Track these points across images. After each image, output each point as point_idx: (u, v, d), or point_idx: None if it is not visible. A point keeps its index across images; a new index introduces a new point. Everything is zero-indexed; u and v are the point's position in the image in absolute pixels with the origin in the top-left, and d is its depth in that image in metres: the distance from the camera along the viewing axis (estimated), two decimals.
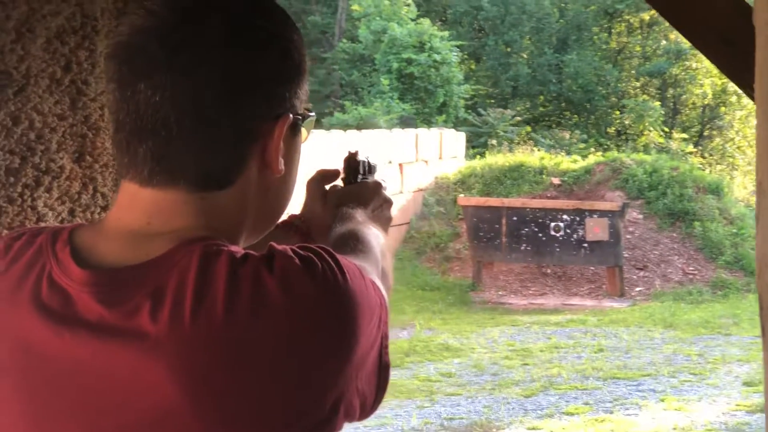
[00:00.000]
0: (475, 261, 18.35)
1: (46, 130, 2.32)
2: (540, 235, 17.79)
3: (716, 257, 18.56)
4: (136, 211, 1.45)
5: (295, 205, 1.79)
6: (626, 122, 34.50)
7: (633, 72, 37.20)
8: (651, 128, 31.93)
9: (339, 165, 2.14)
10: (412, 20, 29.99)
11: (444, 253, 19.67)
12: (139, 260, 1.39)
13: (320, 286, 1.38)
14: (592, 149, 28.05)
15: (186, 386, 1.32)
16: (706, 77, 34.16)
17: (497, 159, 22.39)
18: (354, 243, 1.76)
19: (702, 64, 32.43)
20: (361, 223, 1.89)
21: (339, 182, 2.11)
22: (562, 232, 17.66)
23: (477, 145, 27.04)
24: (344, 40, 32.29)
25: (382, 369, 1.51)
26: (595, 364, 12.60)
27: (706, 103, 35.66)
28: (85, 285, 1.39)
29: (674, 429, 9.87)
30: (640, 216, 19.56)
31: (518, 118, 31.27)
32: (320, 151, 14.35)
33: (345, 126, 21.62)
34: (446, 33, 30.73)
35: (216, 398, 1.32)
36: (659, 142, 30.24)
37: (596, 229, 17.37)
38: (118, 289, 1.37)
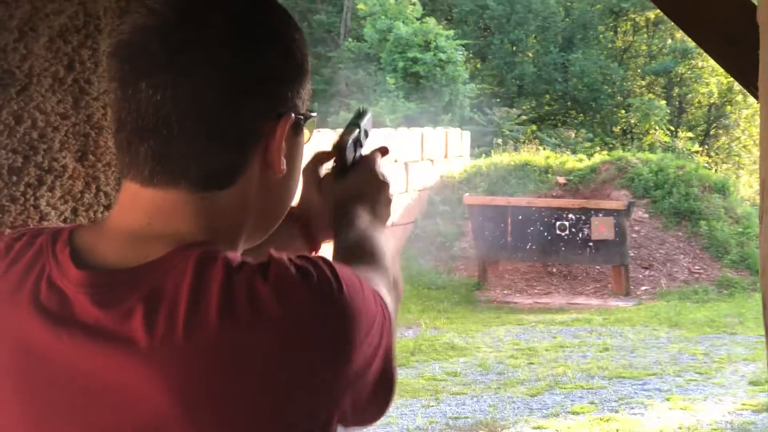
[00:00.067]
0: (481, 260, 18.34)
1: (48, 129, 2.32)
2: (545, 234, 17.77)
3: (722, 256, 18.54)
4: (137, 211, 1.44)
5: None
6: (632, 121, 34.47)
7: (639, 71, 37.18)
8: (657, 127, 31.88)
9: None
10: (418, 19, 29.96)
11: (449, 252, 19.65)
12: (137, 262, 1.39)
13: (315, 296, 1.36)
14: (598, 148, 28.04)
15: (177, 395, 1.31)
16: (712, 76, 34.10)
17: (503, 158, 22.37)
18: (362, 254, 1.74)
19: (708, 62, 32.38)
20: (368, 226, 1.86)
21: (332, 163, 2.06)
22: (567, 231, 17.65)
23: (482, 144, 26.99)
24: (350, 39, 32.27)
25: (386, 381, 1.49)
26: (601, 363, 12.59)
27: (711, 101, 35.61)
28: (82, 286, 1.38)
29: (680, 428, 9.86)
30: (646, 215, 19.55)
31: (524, 117, 31.26)
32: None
33: None
34: (452, 32, 30.69)
35: (207, 407, 1.32)
36: (665, 141, 30.20)
37: (602, 228, 17.35)
38: (113, 291, 1.37)
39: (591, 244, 17.54)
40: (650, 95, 35.31)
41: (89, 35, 2.36)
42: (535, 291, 18.05)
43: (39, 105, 2.28)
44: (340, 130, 2.09)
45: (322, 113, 27.48)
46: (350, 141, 2.05)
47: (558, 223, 17.69)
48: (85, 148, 2.42)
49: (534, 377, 11.94)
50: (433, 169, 21.32)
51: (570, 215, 17.67)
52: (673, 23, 2.96)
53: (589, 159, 22.13)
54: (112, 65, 1.44)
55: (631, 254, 18.03)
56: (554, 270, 18.59)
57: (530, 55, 36.50)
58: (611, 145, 30.43)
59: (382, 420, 8.34)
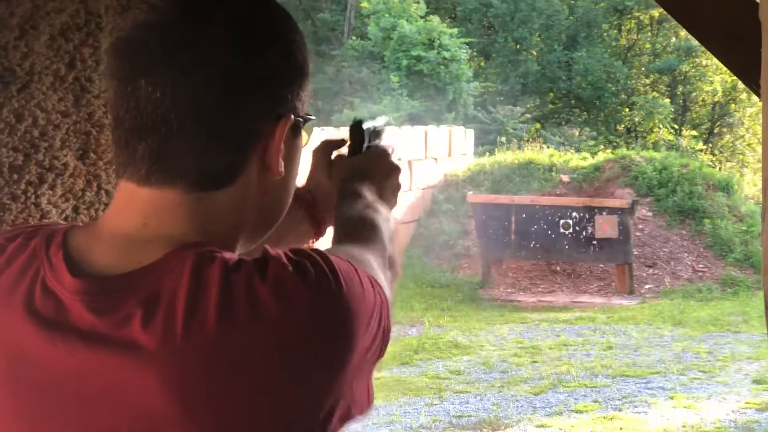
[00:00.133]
0: (484, 258, 18.32)
1: (49, 127, 2.32)
2: (549, 232, 17.76)
3: (726, 255, 18.53)
4: (133, 211, 1.43)
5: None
6: (636, 119, 34.42)
7: (643, 69, 37.14)
8: (661, 125, 31.85)
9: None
10: (422, 17, 29.94)
11: (453, 251, 19.65)
12: (132, 267, 1.38)
13: (314, 294, 1.35)
14: (602, 146, 28.01)
15: (177, 397, 1.30)
16: (716, 74, 34.05)
17: (506, 156, 22.37)
18: (360, 231, 1.73)
19: (712, 61, 32.32)
20: (369, 204, 1.85)
21: (345, 150, 2.07)
22: (571, 230, 17.63)
23: (486, 142, 26.98)
24: (353, 38, 32.26)
25: (381, 359, 1.50)
26: (604, 361, 12.59)
27: (716, 100, 35.58)
28: (77, 294, 1.37)
29: (683, 427, 9.86)
30: (650, 213, 19.54)
31: (528, 116, 31.25)
32: None
33: None
34: (455, 30, 30.67)
35: (208, 409, 1.31)
36: (669, 140, 30.17)
37: (605, 227, 17.34)
38: (109, 298, 1.36)
39: (595, 242, 17.53)
40: (654, 93, 35.27)
41: (90, 33, 2.36)
42: (539, 289, 18.04)
43: (40, 103, 2.28)
44: (344, 129, 2.09)
45: (326, 111, 27.49)
46: (366, 127, 2.06)
47: (562, 221, 17.68)
48: (87, 146, 2.42)
49: (537, 376, 11.94)
50: (436, 168, 21.32)
51: (574, 213, 17.66)
52: (677, 21, 2.95)
53: (593, 157, 22.12)
54: (111, 62, 1.43)
55: (635, 253, 18.02)
56: (558, 268, 18.58)
57: (534, 53, 36.49)
58: (615, 144, 30.43)
59: (386, 418, 8.30)
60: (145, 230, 1.42)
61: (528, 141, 26.07)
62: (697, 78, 35.46)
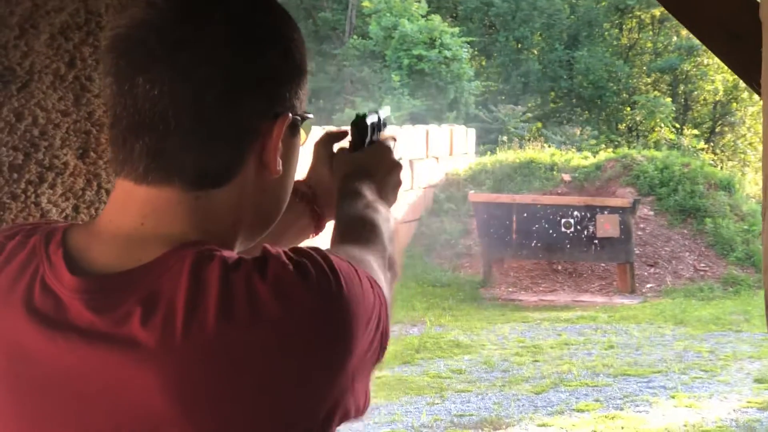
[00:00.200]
0: (486, 257, 18.32)
1: (49, 126, 2.31)
2: (550, 231, 17.75)
3: (727, 254, 18.53)
4: (130, 210, 1.42)
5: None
6: (637, 118, 34.40)
7: (644, 68, 37.14)
8: (662, 124, 31.83)
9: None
10: (423, 16, 29.94)
11: (454, 250, 19.66)
12: (131, 265, 1.37)
13: (315, 294, 1.35)
14: (603, 145, 28.01)
15: (177, 396, 1.30)
16: (717, 73, 34.05)
17: (508, 155, 22.38)
18: (360, 231, 1.73)
19: (713, 60, 32.31)
20: (370, 204, 1.84)
21: (346, 144, 2.06)
22: (572, 229, 17.63)
23: (487, 141, 27.01)
24: (355, 37, 32.26)
25: (380, 362, 1.49)
26: (606, 360, 12.59)
27: (717, 99, 35.58)
28: (77, 292, 1.37)
29: (685, 426, 9.86)
30: (651, 212, 19.54)
31: (529, 115, 31.26)
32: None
33: None
34: (457, 29, 30.68)
35: (207, 408, 1.30)
36: (670, 139, 30.16)
37: (607, 226, 17.33)
38: (108, 296, 1.35)
39: (596, 241, 17.53)
40: (656, 92, 35.27)
41: (90, 32, 2.36)
42: (540, 288, 18.04)
43: (40, 102, 2.28)
44: (345, 128, 2.08)
45: (327, 110, 27.50)
46: (369, 122, 2.05)
47: (563, 220, 17.68)
48: (87, 145, 2.42)
49: (539, 375, 11.94)
50: (438, 167, 21.33)
51: (575, 213, 17.65)
52: (678, 21, 2.95)
53: (595, 156, 22.13)
54: (108, 60, 1.42)
55: (637, 252, 18.02)
56: (559, 267, 18.58)
57: (535, 52, 36.50)
58: (616, 143, 30.44)
59: (387, 417, 8.30)
60: (143, 229, 1.41)
61: (529, 140, 26.09)
62: (699, 77, 35.46)
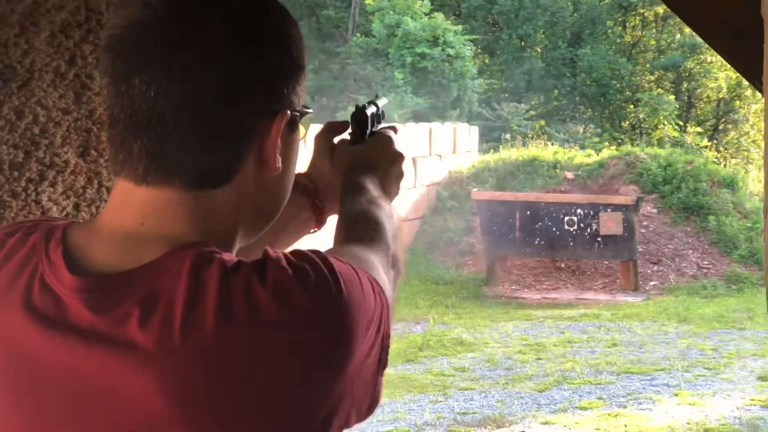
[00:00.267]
0: (489, 255, 18.32)
1: (50, 124, 2.31)
2: (554, 229, 17.75)
3: (731, 251, 18.52)
4: (130, 210, 1.42)
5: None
6: (640, 116, 34.39)
7: (647, 66, 37.13)
8: (665, 122, 31.80)
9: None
10: (426, 14, 29.94)
11: (457, 248, 19.65)
12: (131, 266, 1.37)
13: (314, 298, 1.34)
14: (606, 143, 28.03)
15: (175, 397, 1.30)
16: (720, 71, 34.02)
17: (511, 153, 22.39)
18: (363, 229, 1.72)
19: (717, 57, 32.26)
20: (374, 199, 1.84)
21: (347, 136, 2.06)
22: (575, 227, 17.62)
23: (491, 139, 27.01)
24: (358, 35, 32.26)
25: (380, 370, 1.48)
26: (609, 358, 12.58)
27: (720, 96, 35.54)
28: (76, 291, 1.36)
29: (688, 423, 9.85)
30: (655, 210, 19.52)
31: (532, 112, 31.26)
32: None
33: None
34: (460, 27, 30.68)
35: (206, 410, 1.30)
36: (674, 136, 30.14)
37: (610, 224, 17.33)
38: (108, 296, 1.35)
39: (599, 239, 17.52)
40: (659, 90, 35.22)
41: (91, 30, 2.35)
42: (544, 286, 18.03)
43: (40, 100, 2.27)
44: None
45: (330, 108, 27.51)
46: (369, 113, 2.04)
47: (566, 218, 17.67)
48: (87, 143, 2.41)
49: (542, 373, 11.94)
50: (441, 165, 21.33)
51: (578, 210, 17.65)
52: (680, 18, 2.94)
53: (598, 154, 22.13)
54: (105, 60, 1.42)
55: (640, 249, 18.01)
56: (562, 265, 18.57)
57: (538, 50, 36.48)
58: (620, 141, 30.44)
59: (390, 416, 8.31)
60: (143, 229, 1.41)
61: (532, 138, 26.10)
62: (702, 75, 35.43)
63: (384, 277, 1.55)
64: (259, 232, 1.55)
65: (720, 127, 35.22)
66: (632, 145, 25.71)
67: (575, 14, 36.96)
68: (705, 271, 18.13)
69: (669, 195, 19.70)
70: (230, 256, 1.38)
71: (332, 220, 1.89)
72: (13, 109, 2.22)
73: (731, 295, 16.99)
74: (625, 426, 9.81)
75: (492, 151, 23.96)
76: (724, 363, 12.32)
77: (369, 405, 1.46)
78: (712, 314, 15.34)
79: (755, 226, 18.94)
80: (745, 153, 33.46)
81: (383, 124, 2.12)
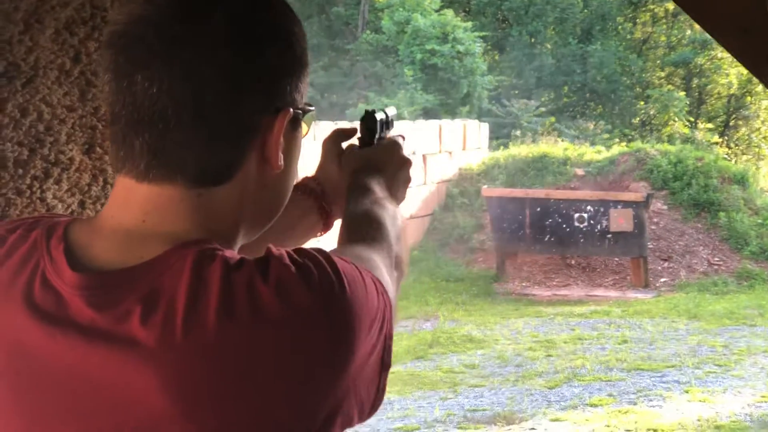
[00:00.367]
0: (499, 252, 18.33)
1: (55, 121, 2.30)
2: (564, 226, 17.74)
3: (741, 248, 18.49)
4: (132, 207, 1.41)
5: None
6: (651, 112, 34.35)
7: (658, 62, 37.07)
8: (676, 118, 31.76)
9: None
10: (436, 11, 29.92)
11: (468, 245, 19.65)
12: (132, 263, 1.36)
13: (317, 296, 1.34)
14: (617, 140, 28.02)
15: (177, 395, 1.29)
16: (731, 67, 33.94)
17: (521, 150, 22.37)
18: (367, 229, 1.72)
19: (727, 53, 32.20)
20: (378, 200, 1.84)
21: (355, 141, 2.06)
22: (586, 223, 17.61)
23: (501, 136, 26.99)
24: (367, 32, 32.25)
25: (383, 370, 1.47)
26: (619, 355, 12.57)
27: (731, 92, 35.48)
28: (77, 288, 1.36)
29: (698, 420, 9.84)
30: (665, 207, 19.50)
31: (542, 109, 31.18)
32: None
33: None
34: (470, 24, 30.64)
35: (208, 407, 1.30)
36: (684, 133, 30.11)
37: (620, 220, 17.31)
38: (109, 293, 1.34)
39: (610, 235, 17.51)
40: (669, 86, 35.19)
41: (96, 27, 2.34)
42: (554, 283, 18.02)
43: (45, 97, 2.26)
44: (358, 123, 2.07)
45: (340, 105, 27.51)
46: (378, 118, 2.04)
47: (576, 215, 17.66)
48: (92, 140, 2.40)
49: (552, 369, 11.93)
50: (451, 162, 21.32)
51: (588, 207, 17.63)
52: (689, 15, 2.94)
53: (608, 151, 22.12)
54: (106, 56, 1.41)
55: (650, 246, 17.99)
56: (573, 262, 18.56)
57: (549, 46, 36.42)
58: (630, 137, 30.40)
59: (400, 413, 8.31)
60: (144, 226, 1.40)
61: (542, 134, 26.03)
62: (713, 71, 35.36)
63: (387, 277, 1.54)
64: (261, 229, 1.54)
65: (731, 124, 35.16)
66: (642, 141, 25.63)
67: (585, 10, 36.92)
68: (715, 267, 18.10)
69: (679, 191, 19.68)
70: (232, 254, 1.38)
71: (339, 224, 1.89)
72: (17, 106, 2.21)
73: (742, 292, 16.97)
74: (636, 423, 9.80)
75: (502, 147, 23.95)
76: (734, 360, 12.31)
77: (372, 405, 1.46)
78: (723, 311, 15.32)
79: (766, 223, 18.93)
80: (756, 149, 33.41)
81: (392, 132, 2.12)
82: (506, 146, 23.96)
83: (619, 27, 37.80)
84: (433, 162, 20.35)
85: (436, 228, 20.17)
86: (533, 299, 16.95)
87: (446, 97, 28.19)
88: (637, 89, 35.68)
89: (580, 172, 20.68)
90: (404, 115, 23.56)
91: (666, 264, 18.25)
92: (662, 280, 17.82)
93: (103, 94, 1.44)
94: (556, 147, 22.51)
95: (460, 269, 18.67)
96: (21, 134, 2.23)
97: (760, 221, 19.07)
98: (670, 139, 28.18)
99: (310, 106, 1.55)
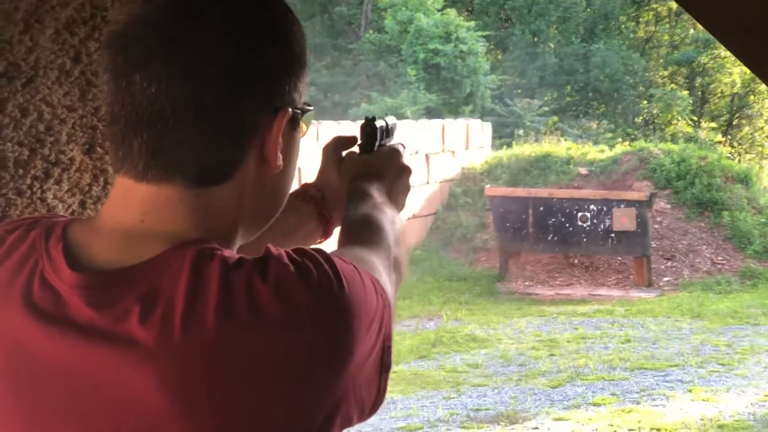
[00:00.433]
0: (502, 251, 18.33)
1: (55, 121, 2.30)
2: (567, 225, 17.74)
3: (745, 247, 18.48)
4: (131, 207, 1.41)
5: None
6: (654, 111, 34.35)
7: (661, 61, 37.06)
8: (679, 117, 31.77)
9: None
10: (438, 10, 29.92)
11: (471, 244, 19.65)
12: (131, 262, 1.36)
13: (316, 295, 1.34)
14: (620, 139, 27.99)
15: (175, 393, 1.29)
16: (734, 66, 33.91)
17: (524, 149, 22.37)
18: (365, 232, 1.72)
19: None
20: (377, 205, 1.85)
21: (356, 149, 2.06)
22: (589, 223, 17.61)
23: (504, 135, 26.98)
24: (370, 31, 32.25)
25: (383, 371, 1.47)
26: (622, 354, 12.56)
27: (734, 91, 35.46)
28: (76, 288, 1.36)
29: (702, 420, 9.83)
30: (668, 206, 19.49)
31: (545, 108, 31.17)
32: None
33: None
34: (472, 23, 30.66)
35: (205, 406, 1.29)
36: (687, 132, 30.10)
37: (623, 219, 17.30)
38: (108, 293, 1.34)
39: (613, 235, 17.50)
40: (672, 85, 35.19)
41: (96, 27, 2.34)
42: (557, 282, 18.02)
43: (45, 97, 2.26)
44: (361, 122, 2.08)
45: (343, 105, 27.50)
46: (378, 126, 2.04)
47: (579, 214, 17.66)
48: (93, 140, 2.40)
49: (555, 369, 11.92)
50: (454, 161, 21.31)
51: (591, 206, 17.63)
52: (691, 15, 2.93)
53: (611, 150, 22.10)
54: (105, 56, 1.41)
55: (653, 245, 17.98)
56: (576, 261, 18.55)
57: (551, 45, 36.42)
58: (633, 136, 30.38)
59: (403, 412, 8.30)
60: (143, 226, 1.40)
61: (545, 134, 26.01)
62: (716, 69, 35.34)
63: (385, 279, 1.54)
64: (259, 229, 1.55)
65: (734, 123, 35.14)
66: (645, 140, 25.61)
67: (588, 9, 36.90)
68: (719, 266, 18.09)
69: (683, 191, 19.66)
70: (231, 253, 1.38)
71: (338, 231, 1.89)
72: (17, 106, 2.21)
73: (745, 291, 16.96)
74: (639, 422, 9.79)
75: (505, 147, 23.95)
76: (738, 359, 12.30)
77: (371, 405, 1.46)
78: (726, 310, 15.31)
79: None
80: (759, 148, 33.40)
81: (392, 141, 2.12)
82: (509, 145, 23.96)
83: (622, 26, 37.80)
84: (436, 161, 20.35)
85: (439, 227, 20.17)
86: (536, 298, 16.95)
87: (449, 97, 28.19)
88: (640, 88, 35.66)
89: (583, 171, 20.68)
90: (407, 115, 23.57)
91: (669, 263, 18.24)
92: (665, 279, 17.81)
93: (103, 94, 1.44)
94: (559, 146, 22.51)
95: (463, 268, 18.67)
96: (21, 134, 2.23)
97: (763, 220, 19.06)
98: (674, 138, 28.17)
99: (309, 106, 1.55)
